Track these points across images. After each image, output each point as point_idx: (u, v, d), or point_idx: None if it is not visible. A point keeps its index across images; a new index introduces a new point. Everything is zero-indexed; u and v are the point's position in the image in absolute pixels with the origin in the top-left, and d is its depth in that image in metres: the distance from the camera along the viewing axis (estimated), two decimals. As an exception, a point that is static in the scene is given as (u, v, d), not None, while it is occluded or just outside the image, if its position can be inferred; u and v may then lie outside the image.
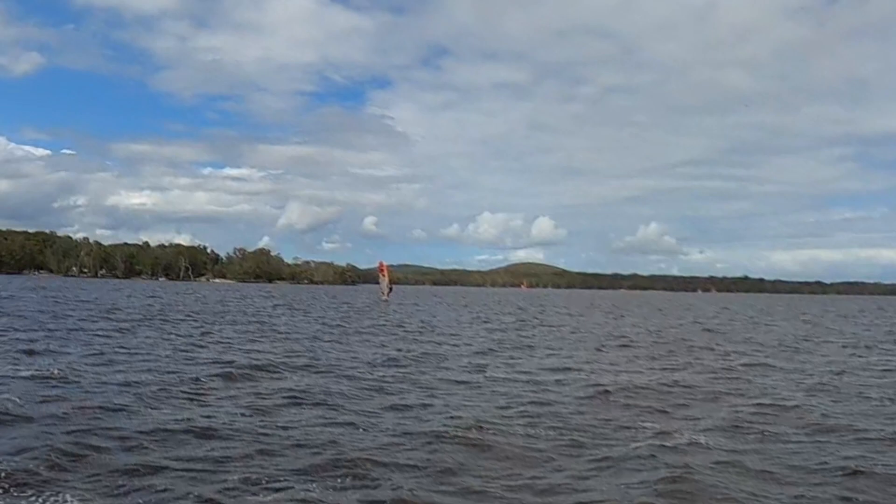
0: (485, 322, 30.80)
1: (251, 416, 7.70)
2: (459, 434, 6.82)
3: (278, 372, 11.32)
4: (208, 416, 7.52)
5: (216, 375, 10.42)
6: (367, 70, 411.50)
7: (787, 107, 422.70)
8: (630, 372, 12.89)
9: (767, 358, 16.26)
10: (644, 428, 7.69)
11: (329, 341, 17.69)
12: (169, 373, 10.61)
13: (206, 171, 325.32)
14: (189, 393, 9.08)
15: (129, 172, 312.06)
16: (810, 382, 12.11)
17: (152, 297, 46.46)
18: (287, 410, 8.17)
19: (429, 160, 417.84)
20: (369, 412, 8.21)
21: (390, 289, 49.95)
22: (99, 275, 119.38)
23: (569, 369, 13.12)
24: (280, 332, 19.95)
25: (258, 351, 14.55)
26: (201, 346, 15.22)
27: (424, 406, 8.74)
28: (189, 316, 26.63)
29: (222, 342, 16.42)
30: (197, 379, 10.06)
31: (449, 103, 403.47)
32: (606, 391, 10.24)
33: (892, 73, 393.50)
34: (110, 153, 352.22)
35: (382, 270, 50.42)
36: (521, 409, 8.68)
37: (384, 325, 25.75)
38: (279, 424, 7.28)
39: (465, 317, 35.43)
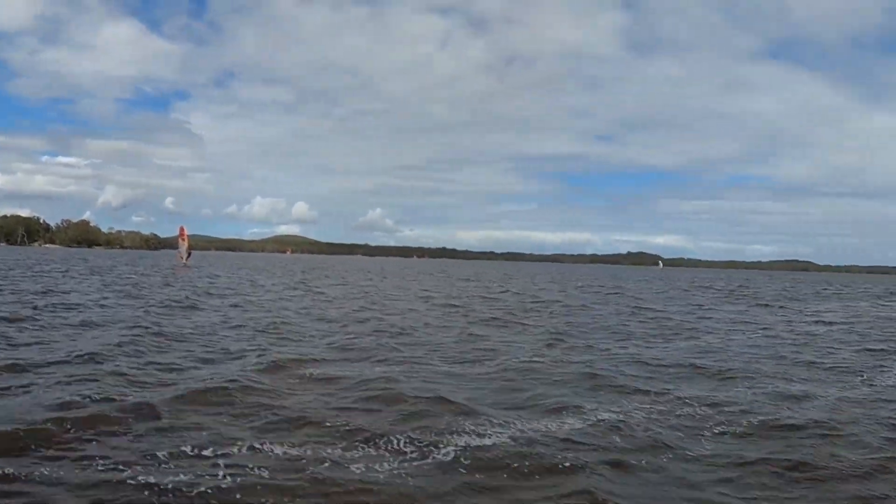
0: (270, 283, 29.30)
1: None
2: None
3: None
4: None
5: None
6: (173, 85, 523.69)
7: (475, 133, 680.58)
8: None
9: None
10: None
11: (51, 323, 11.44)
12: None
13: (44, 158, 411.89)
14: None
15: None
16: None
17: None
18: None
19: (217, 156, 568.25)
20: None
21: (189, 253, 50.77)
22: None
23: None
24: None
25: None
26: None
27: None
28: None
29: None
30: None
31: (234, 114, 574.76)
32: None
33: (545, 115, 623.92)
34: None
35: (183, 236, 50.82)
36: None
37: (156, 293, 19.71)
38: None
39: (261, 282, 31.01)
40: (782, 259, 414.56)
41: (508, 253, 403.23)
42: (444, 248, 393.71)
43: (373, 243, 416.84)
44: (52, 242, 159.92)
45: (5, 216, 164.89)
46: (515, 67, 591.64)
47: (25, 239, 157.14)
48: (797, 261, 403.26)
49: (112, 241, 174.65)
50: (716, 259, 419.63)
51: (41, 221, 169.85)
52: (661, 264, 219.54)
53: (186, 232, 49.95)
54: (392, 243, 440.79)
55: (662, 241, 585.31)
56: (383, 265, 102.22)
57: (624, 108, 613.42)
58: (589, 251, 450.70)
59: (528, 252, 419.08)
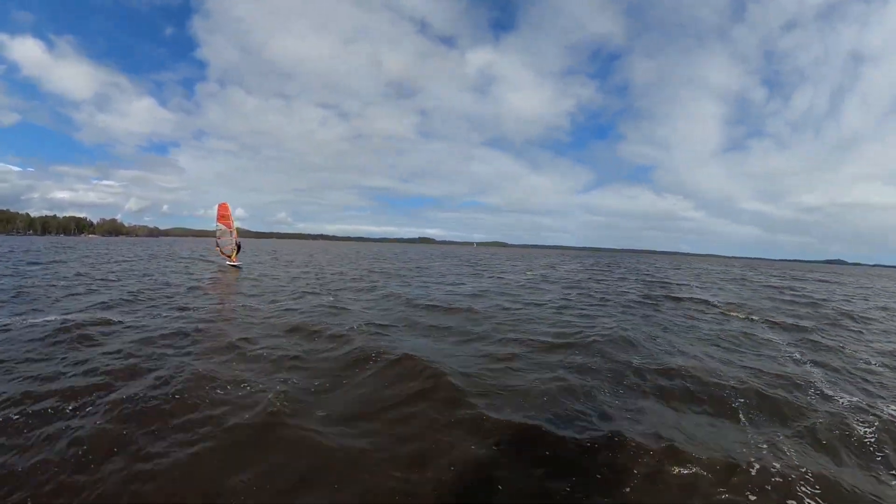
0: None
1: None
2: None
3: None
4: None
5: None
6: (170, 137, 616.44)
7: (336, 172, 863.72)
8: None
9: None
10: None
11: None
12: None
13: (94, 181, 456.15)
14: None
15: (62, 181, 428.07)
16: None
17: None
18: None
19: (193, 181, 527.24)
20: None
21: (238, 247, 28.50)
22: (38, 233, 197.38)
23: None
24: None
25: None
26: None
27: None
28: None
29: None
30: None
31: (204, 156, 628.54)
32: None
33: (374, 166, 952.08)
34: (55, 172, 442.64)
35: (228, 221, 28.05)
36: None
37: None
38: None
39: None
40: (489, 241, 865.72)
41: (353, 238, 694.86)
42: (320, 234, 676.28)
43: (280, 231, 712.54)
44: (94, 233, 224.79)
45: (65, 217, 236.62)
46: (360, 140, 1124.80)
47: (76, 231, 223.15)
48: (497, 242, 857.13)
49: (130, 233, 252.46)
50: (457, 241, 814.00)
51: (87, 219, 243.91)
52: (475, 245, 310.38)
53: (229, 211, 28.02)
54: (290, 231, 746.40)
55: (431, 232, 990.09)
56: (300, 246, 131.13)
57: (414, 166, 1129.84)
58: (394, 237, 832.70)
59: (364, 237, 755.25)
